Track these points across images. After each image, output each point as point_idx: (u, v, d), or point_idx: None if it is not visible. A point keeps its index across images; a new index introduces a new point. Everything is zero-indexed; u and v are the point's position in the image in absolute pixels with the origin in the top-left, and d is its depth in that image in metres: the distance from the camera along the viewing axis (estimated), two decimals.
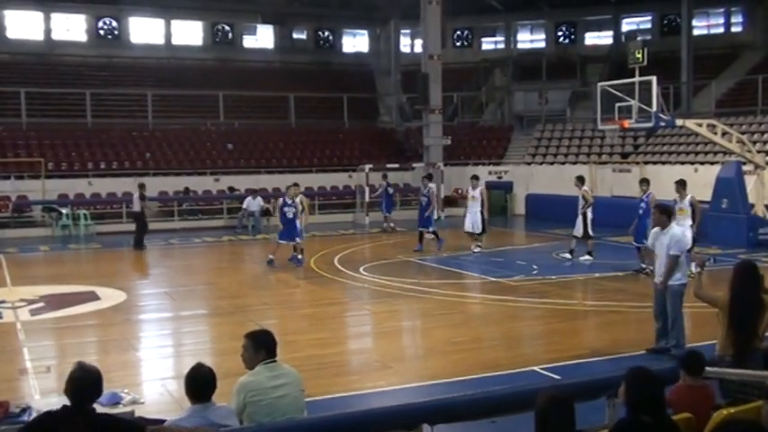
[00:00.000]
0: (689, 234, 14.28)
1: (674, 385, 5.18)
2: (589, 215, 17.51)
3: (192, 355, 9.62)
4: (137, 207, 22.07)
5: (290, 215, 17.58)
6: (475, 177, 20.11)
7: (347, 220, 28.38)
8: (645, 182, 16.31)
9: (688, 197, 14.88)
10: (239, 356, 5.37)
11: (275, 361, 5.27)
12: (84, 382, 4.38)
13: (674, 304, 9.41)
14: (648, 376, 4.45)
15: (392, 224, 25.34)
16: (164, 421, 4.58)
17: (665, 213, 9.78)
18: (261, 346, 5.28)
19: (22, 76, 32.06)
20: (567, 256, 17.74)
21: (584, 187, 17.86)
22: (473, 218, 19.25)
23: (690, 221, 14.59)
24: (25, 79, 31.47)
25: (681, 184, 15.13)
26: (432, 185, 21.01)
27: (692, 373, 5.23)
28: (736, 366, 5.77)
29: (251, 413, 5.03)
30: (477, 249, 19.17)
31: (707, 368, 5.40)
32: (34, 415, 5.50)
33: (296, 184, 18.25)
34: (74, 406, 4.32)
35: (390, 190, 26.44)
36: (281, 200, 18.44)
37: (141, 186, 22.28)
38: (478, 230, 19.26)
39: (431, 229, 19.96)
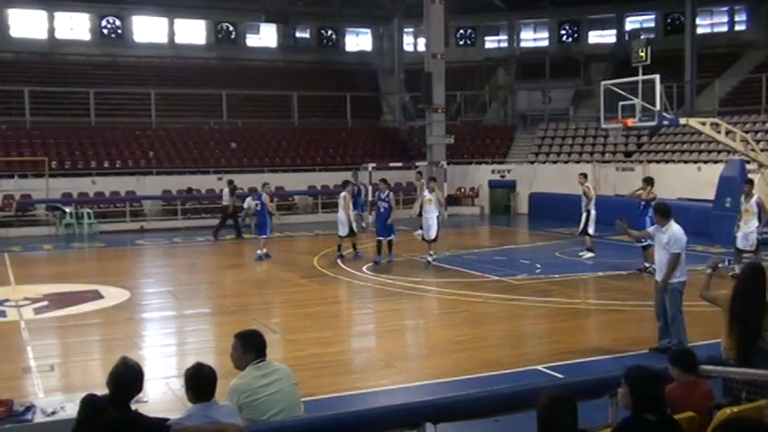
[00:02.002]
0: (753, 235, 14.27)
1: (669, 384, 5.17)
2: (593, 212, 17.56)
3: (195, 354, 9.63)
4: (226, 201, 23.57)
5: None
6: (433, 179, 18.58)
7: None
8: (646, 180, 16.30)
9: (755, 197, 14.60)
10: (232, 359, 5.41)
11: (264, 360, 5.29)
12: (124, 378, 4.55)
13: (672, 302, 9.43)
14: (651, 374, 4.46)
15: (365, 224, 24.77)
16: (167, 420, 4.59)
17: (659, 212, 9.81)
18: (250, 347, 5.31)
19: (25, 74, 32.14)
20: (588, 254, 17.75)
21: (587, 183, 17.93)
22: (429, 223, 17.45)
23: (756, 222, 14.40)
24: (29, 78, 31.53)
25: (750, 183, 14.99)
26: (422, 185, 20.23)
27: (687, 370, 5.22)
28: (741, 367, 5.76)
29: (247, 414, 5.05)
30: (432, 258, 17.47)
31: (710, 367, 5.39)
32: (38, 413, 5.53)
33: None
34: (111, 398, 4.49)
35: (359, 189, 25.96)
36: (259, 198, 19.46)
37: (231, 182, 23.86)
38: (431, 237, 17.46)
39: (392, 237, 17.92)
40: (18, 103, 29.93)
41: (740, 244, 14.52)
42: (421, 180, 22.68)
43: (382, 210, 18.13)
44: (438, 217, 17.67)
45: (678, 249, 9.35)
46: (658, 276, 9.64)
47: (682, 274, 9.46)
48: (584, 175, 18.20)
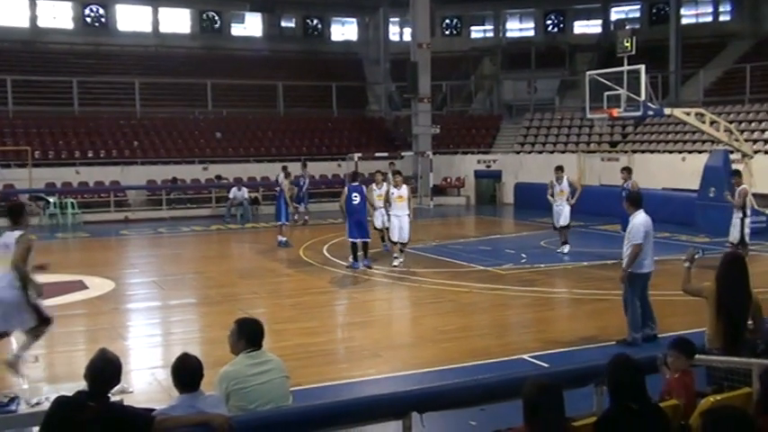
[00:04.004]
0: (736, 228, 14.22)
1: (668, 374, 5.23)
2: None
3: (180, 344, 9.61)
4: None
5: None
6: (398, 173, 16.88)
7: (336, 209, 28.27)
8: (626, 170, 16.42)
9: (739, 188, 14.48)
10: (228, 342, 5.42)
11: (258, 349, 5.30)
12: (104, 371, 4.47)
13: (626, 288, 9.71)
14: (628, 362, 4.49)
15: (306, 217, 24.69)
16: (153, 410, 4.57)
17: (629, 200, 9.98)
18: (242, 336, 5.32)
19: (8, 63, 31.75)
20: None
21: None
22: (401, 223, 15.72)
23: (740, 214, 14.40)
24: (11, 67, 31.20)
25: (736, 174, 14.99)
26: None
27: (690, 356, 5.29)
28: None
29: (235, 402, 5.05)
30: (399, 261, 15.76)
31: (698, 355, 5.45)
32: (22, 404, 5.50)
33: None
34: (89, 392, 4.39)
35: (302, 181, 25.46)
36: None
37: (285, 167, 23.63)
38: (406, 239, 15.97)
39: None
40: (0, 93, 29.62)
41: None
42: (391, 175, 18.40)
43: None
44: (409, 216, 15.89)
45: (637, 240, 9.44)
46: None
47: (642, 265, 9.62)
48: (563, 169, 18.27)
